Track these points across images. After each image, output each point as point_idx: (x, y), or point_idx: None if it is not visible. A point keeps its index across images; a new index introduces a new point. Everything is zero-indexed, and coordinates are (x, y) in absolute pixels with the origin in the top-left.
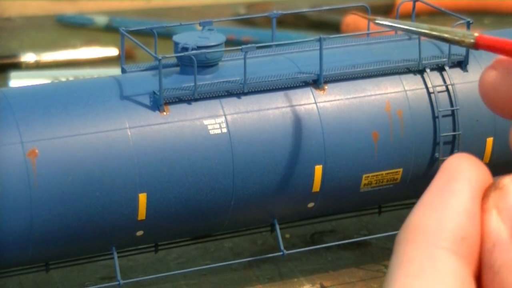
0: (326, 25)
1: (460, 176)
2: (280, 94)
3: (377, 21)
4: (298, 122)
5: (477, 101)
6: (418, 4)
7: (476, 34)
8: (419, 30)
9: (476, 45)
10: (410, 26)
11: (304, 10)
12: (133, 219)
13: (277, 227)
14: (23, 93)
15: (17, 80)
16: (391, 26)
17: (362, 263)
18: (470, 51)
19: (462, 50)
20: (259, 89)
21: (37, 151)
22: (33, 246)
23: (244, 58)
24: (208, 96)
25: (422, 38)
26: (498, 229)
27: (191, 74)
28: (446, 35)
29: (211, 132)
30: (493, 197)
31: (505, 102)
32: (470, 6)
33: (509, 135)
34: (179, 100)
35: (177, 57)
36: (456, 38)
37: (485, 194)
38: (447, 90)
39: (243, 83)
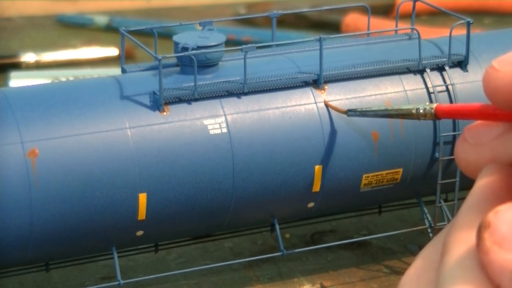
0: (326, 25)
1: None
2: (280, 94)
3: (349, 114)
4: (298, 122)
5: (477, 101)
6: (418, 4)
7: (434, 105)
8: (386, 112)
9: (436, 116)
10: (378, 112)
11: (304, 10)
12: (133, 219)
13: (277, 227)
14: (23, 93)
15: (17, 80)
16: (362, 114)
17: (362, 263)
18: (470, 51)
19: (462, 50)
20: (259, 89)
21: (37, 151)
22: (33, 246)
23: (244, 58)
24: (208, 96)
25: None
26: (509, 260)
27: (191, 74)
28: (410, 112)
29: (211, 132)
30: (488, 238)
31: (475, 170)
32: (471, 6)
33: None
34: (179, 100)
35: (177, 57)
36: (421, 112)
37: (479, 239)
38: (447, 90)
39: (243, 83)
